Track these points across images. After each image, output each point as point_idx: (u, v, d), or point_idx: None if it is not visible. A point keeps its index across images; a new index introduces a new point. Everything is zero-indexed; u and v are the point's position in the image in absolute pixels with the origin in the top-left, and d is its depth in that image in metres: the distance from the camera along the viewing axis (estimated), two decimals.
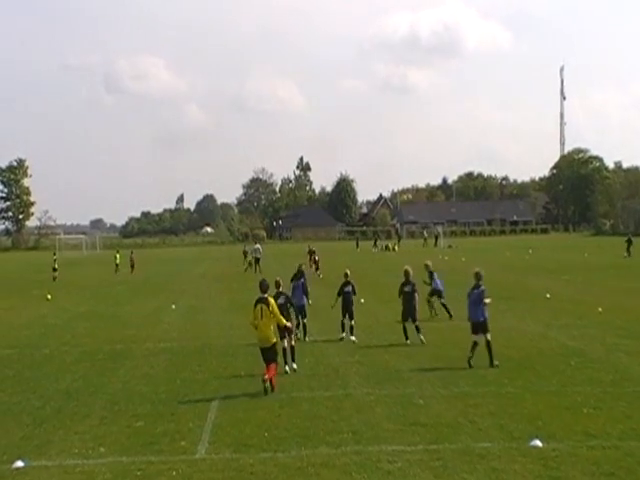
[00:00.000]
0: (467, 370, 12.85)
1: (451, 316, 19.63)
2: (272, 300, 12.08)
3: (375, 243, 72.80)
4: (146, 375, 13.51)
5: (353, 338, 16.56)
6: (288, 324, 12.29)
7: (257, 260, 42.69)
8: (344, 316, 16.97)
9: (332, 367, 13.61)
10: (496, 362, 13.10)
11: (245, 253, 53.86)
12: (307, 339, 16.77)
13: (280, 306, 12.67)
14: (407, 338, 15.86)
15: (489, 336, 13.28)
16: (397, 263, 48.91)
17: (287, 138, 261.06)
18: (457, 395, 11.11)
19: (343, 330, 17.00)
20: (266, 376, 11.49)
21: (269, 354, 11.72)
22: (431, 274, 20.51)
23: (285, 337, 13.32)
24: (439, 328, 18.13)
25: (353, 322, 16.85)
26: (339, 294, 16.93)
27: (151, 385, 12.60)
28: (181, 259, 67.34)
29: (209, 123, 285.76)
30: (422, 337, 15.70)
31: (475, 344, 13.22)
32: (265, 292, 12.06)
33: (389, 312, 21.99)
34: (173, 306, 25.51)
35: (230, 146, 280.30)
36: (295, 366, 13.34)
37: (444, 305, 20.02)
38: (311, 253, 43.00)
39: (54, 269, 41.24)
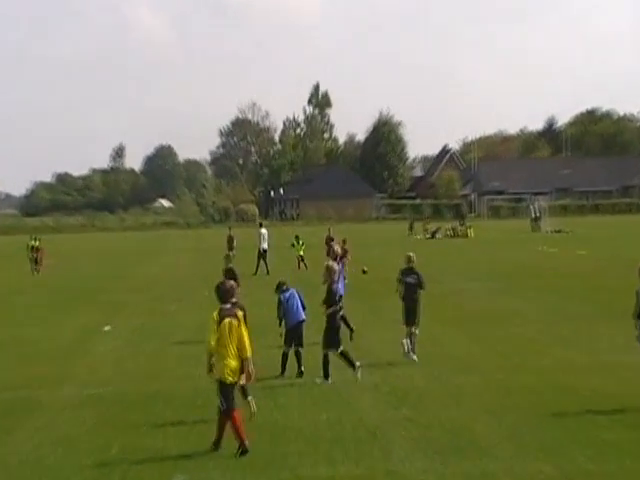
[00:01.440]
0: (583, 432, 12.82)
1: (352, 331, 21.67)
2: (241, 313, 12.85)
3: (411, 227, 72.99)
4: (64, 439, 13.58)
5: (414, 357, 18.56)
6: (249, 355, 12.73)
7: (264, 253, 42.80)
8: (406, 321, 18.74)
9: (366, 427, 13.65)
10: None
11: (231, 241, 54.03)
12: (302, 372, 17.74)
13: None
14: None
15: None
16: (473, 258, 48.82)
17: (292, 57, 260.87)
18: (570, 474, 11.07)
19: (407, 348, 18.38)
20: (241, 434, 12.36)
21: (240, 392, 12.87)
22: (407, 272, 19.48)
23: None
24: (541, 367, 18.10)
25: (417, 330, 18.54)
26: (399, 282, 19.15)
27: (72, 455, 12.66)
28: (120, 251, 67.71)
29: (168, 34, 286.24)
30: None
31: None
32: (229, 300, 12.75)
33: (458, 337, 21.99)
34: (107, 327, 25.65)
35: (202, 70, 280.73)
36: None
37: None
38: (330, 242, 43.42)
39: (36, 261, 44.35)
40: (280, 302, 18.09)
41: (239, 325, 12.51)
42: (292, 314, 17.96)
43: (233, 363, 12.47)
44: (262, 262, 42.65)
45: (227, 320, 12.47)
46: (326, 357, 17.09)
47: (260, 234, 43.67)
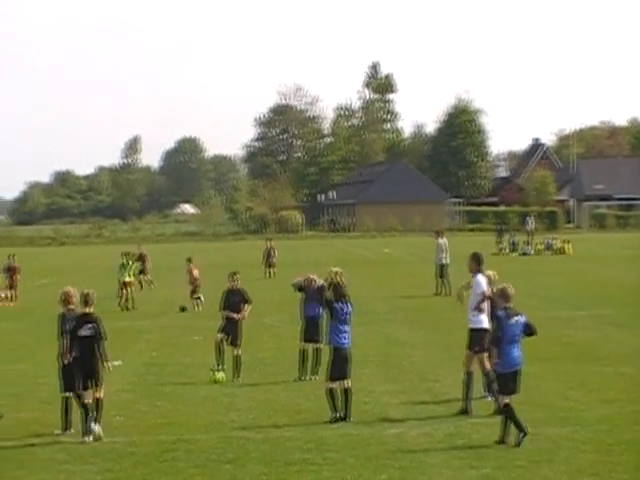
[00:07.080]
0: None
1: None
2: None
3: (499, 243, 73.41)
4: None
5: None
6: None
7: (444, 268, 42.60)
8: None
9: None
10: None
11: (269, 255, 53.78)
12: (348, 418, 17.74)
13: (82, 341, 17.21)
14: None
15: None
16: (574, 279, 48.43)
17: (346, 30, 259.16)
18: None
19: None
20: None
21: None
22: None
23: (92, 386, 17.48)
24: None
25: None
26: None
27: None
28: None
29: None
30: None
31: None
32: None
33: (553, 378, 21.88)
34: (115, 362, 25.76)
35: (234, 46, 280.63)
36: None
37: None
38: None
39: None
40: (334, 310, 17.73)
41: None
42: (343, 336, 17.82)
43: None
44: (444, 281, 42.50)
45: None
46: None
47: (439, 245, 43.72)
